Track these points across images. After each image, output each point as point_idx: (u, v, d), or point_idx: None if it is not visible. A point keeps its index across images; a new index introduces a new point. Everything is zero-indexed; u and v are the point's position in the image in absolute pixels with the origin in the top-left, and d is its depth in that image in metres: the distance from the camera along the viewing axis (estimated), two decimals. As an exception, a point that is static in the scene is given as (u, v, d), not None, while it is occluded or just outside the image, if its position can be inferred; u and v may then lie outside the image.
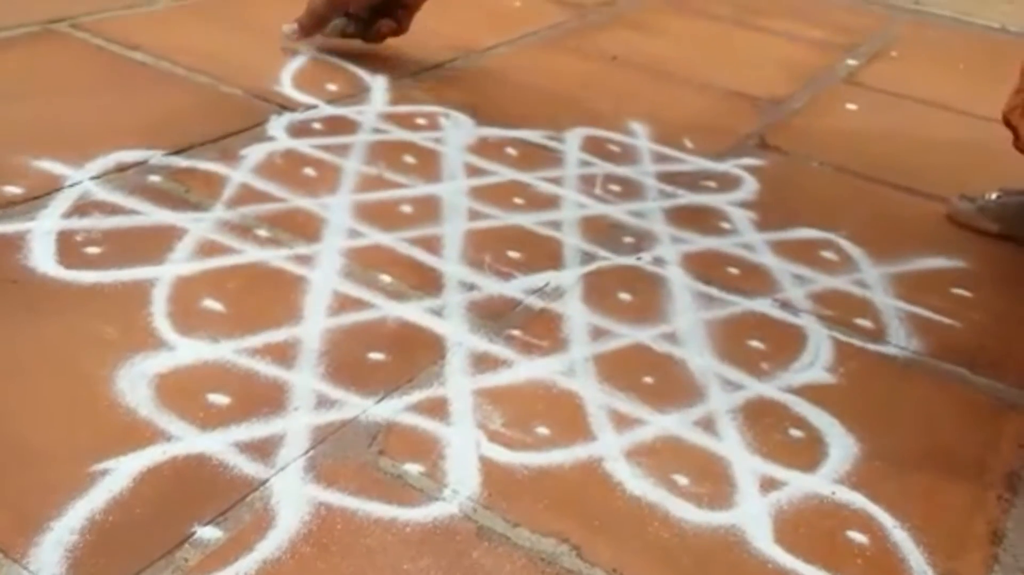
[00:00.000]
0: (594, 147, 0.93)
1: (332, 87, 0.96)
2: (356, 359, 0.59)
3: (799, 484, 0.55)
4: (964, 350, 0.70)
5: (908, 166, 0.99)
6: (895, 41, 1.42)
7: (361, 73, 1.00)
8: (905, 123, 1.12)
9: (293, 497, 0.49)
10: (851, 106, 1.14)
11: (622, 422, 0.57)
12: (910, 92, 1.20)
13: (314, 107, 0.91)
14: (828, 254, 0.80)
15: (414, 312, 0.64)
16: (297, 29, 0.92)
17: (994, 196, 0.88)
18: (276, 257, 0.68)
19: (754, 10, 1.46)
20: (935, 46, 1.44)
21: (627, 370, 0.62)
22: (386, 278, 0.68)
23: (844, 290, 0.75)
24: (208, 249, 0.67)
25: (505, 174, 0.85)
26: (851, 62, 1.29)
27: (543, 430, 0.56)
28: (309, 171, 0.80)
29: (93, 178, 0.73)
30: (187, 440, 0.51)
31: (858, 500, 0.54)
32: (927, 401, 0.64)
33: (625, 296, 0.70)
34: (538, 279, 0.70)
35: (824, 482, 0.55)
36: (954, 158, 1.03)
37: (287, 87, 0.94)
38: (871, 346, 0.69)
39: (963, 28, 1.55)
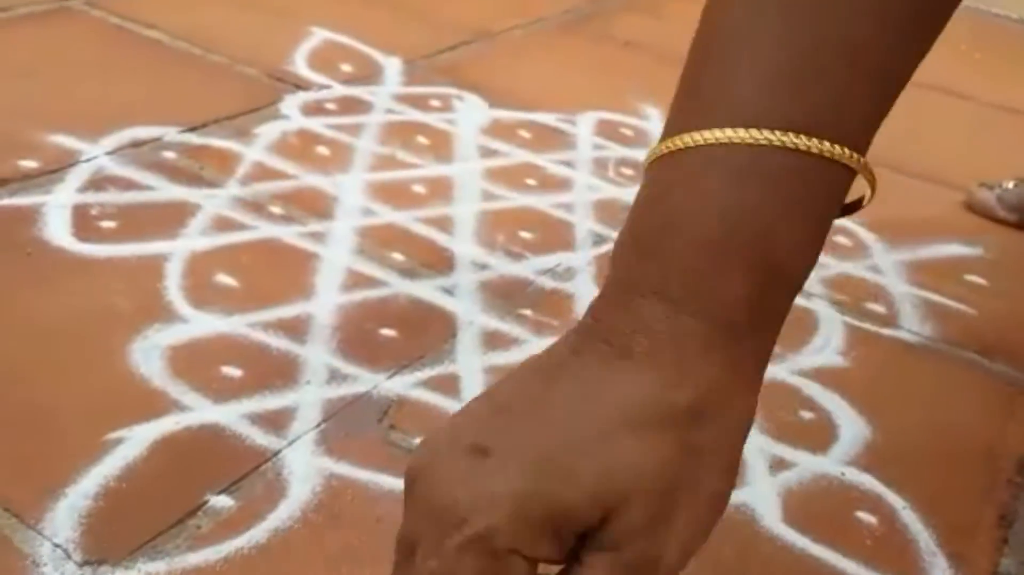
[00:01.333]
0: (607, 130, 0.93)
1: (346, 68, 0.96)
2: (368, 335, 0.59)
3: (809, 465, 0.55)
4: (977, 336, 0.69)
5: (923, 154, 0.98)
6: (912, 30, 1.41)
7: (375, 54, 1.00)
8: (921, 111, 1.11)
9: (304, 468, 0.49)
10: (866, 94, 1.13)
11: (632, 401, 0.57)
12: (926, 80, 1.19)
13: (328, 87, 0.91)
14: (842, 239, 0.80)
15: (426, 290, 0.64)
16: None
17: (1011, 185, 0.87)
18: (289, 234, 0.68)
19: (770, -3, 1.45)
20: (951, 35, 1.42)
21: (638, 350, 0.62)
22: (398, 256, 0.68)
23: (858, 275, 0.75)
24: (222, 225, 0.68)
25: (518, 156, 0.85)
26: (867, 50, 1.28)
27: (553, 408, 0.56)
28: (322, 150, 0.80)
29: (108, 153, 0.74)
30: (200, 411, 0.51)
31: (868, 481, 0.54)
32: (939, 386, 0.64)
33: (637, 278, 0.70)
34: (550, 260, 0.70)
35: (834, 463, 0.55)
36: (970, 146, 1.03)
37: (301, 67, 0.94)
38: (884, 331, 0.69)
39: (980, 17, 1.54)
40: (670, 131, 0.30)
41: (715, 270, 0.28)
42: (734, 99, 0.29)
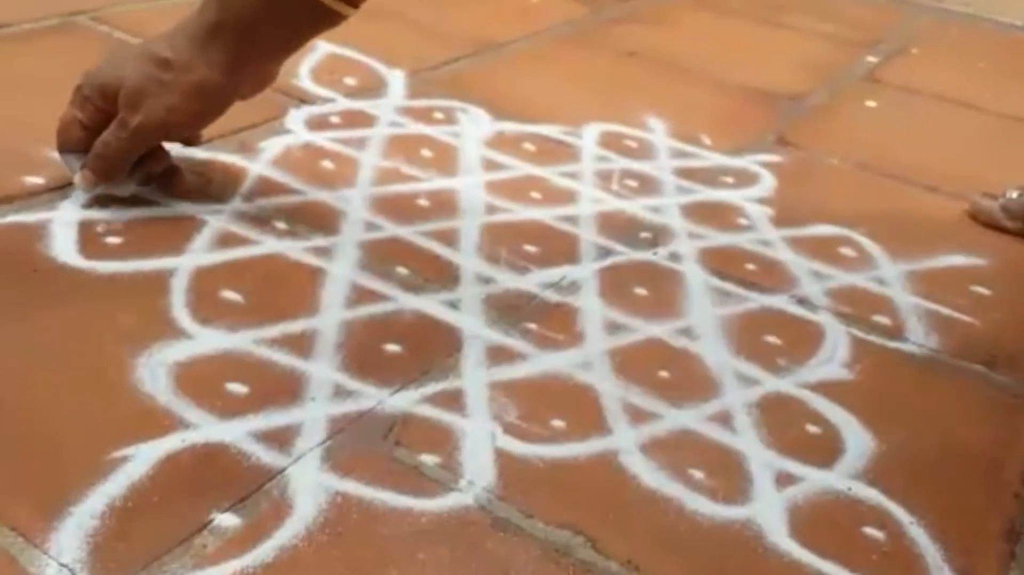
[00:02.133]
0: (611, 142, 0.93)
1: (350, 81, 0.96)
2: (373, 350, 0.59)
3: (815, 479, 0.55)
4: (983, 348, 0.69)
5: (928, 163, 0.98)
6: (916, 38, 1.41)
7: (379, 67, 1.01)
8: (925, 120, 1.12)
9: (310, 486, 0.49)
10: (871, 103, 1.14)
11: (638, 416, 0.57)
12: (930, 89, 1.20)
13: (332, 101, 0.92)
14: (846, 251, 0.80)
15: (430, 305, 0.65)
16: (88, 178, 0.67)
17: (1015, 195, 0.87)
18: (294, 249, 0.68)
19: (774, 6, 1.45)
20: (956, 43, 1.43)
21: (643, 364, 0.62)
22: (403, 270, 0.68)
23: (862, 287, 0.75)
24: (227, 240, 0.68)
25: (522, 168, 0.85)
26: (871, 59, 1.29)
27: (559, 423, 0.56)
28: (327, 164, 0.81)
29: (114, 169, 0.74)
30: (205, 428, 0.51)
31: (874, 496, 0.54)
32: (945, 398, 0.64)
33: (641, 291, 0.70)
34: (554, 273, 0.70)
35: (840, 478, 0.55)
36: (974, 156, 1.03)
37: (305, 81, 0.94)
38: (889, 343, 0.68)
39: (984, 25, 1.54)
40: None
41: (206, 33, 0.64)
42: None
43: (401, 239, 0.72)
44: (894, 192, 0.92)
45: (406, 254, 0.70)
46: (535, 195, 0.81)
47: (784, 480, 0.54)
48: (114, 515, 0.45)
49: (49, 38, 0.96)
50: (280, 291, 0.64)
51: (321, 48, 1.02)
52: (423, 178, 0.81)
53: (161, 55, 0.65)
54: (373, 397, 0.56)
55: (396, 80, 0.98)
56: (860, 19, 1.45)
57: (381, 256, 0.69)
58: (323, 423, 0.53)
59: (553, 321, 0.65)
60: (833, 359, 0.66)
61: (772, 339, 0.67)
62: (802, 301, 0.72)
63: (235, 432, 0.51)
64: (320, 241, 0.70)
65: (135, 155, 0.68)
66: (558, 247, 0.74)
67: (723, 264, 0.75)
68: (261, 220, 0.71)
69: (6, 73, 0.88)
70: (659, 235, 0.78)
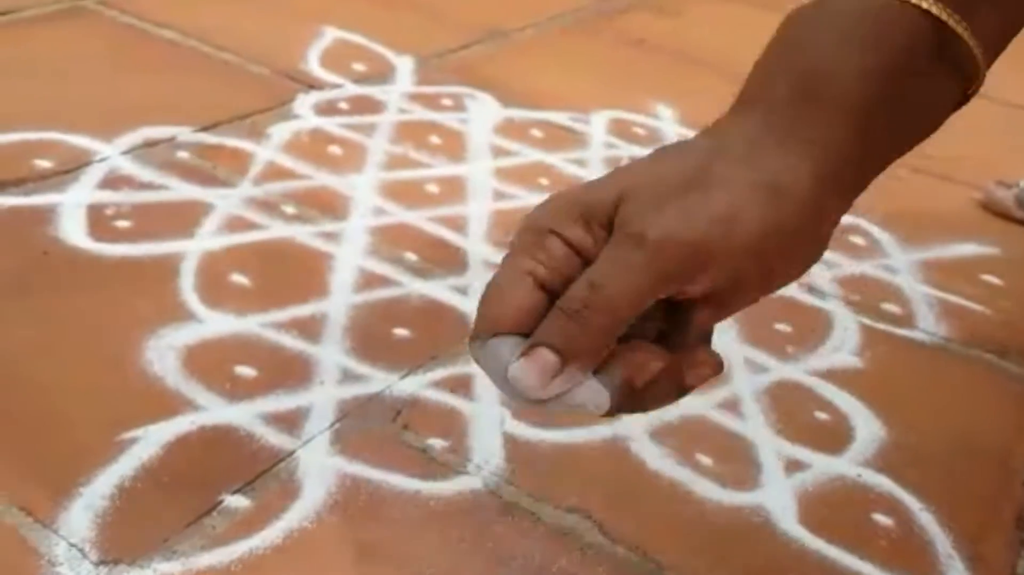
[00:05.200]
0: (619, 129, 0.92)
1: (358, 67, 0.96)
2: (381, 335, 0.59)
3: (824, 466, 0.55)
4: (993, 337, 0.69)
5: (939, 153, 0.97)
6: (926, 27, 1.40)
7: (387, 53, 1.00)
8: (935, 109, 1.11)
9: (318, 468, 0.49)
10: (881, 92, 1.13)
11: (646, 401, 0.57)
12: (941, 78, 1.19)
13: (340, 86, 0.91)
14: (856, 239, 0.79)
15: (439, 290, 0.64)
16: (548, 364, 0.31)
17: (1028, 184, 0.86)
18: (302, 233, 0.68)
19: (783, -5, 1.44)
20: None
21: (652, 350, 0.62)
22: (411, 256, 0.68)
23: (872, 275, 0.75)
24: (235, 225, 0.68)
25: (530, 155, 0.85)
26: (881, 48, 1.28)
27: (567, 408, 0.56)
28: (335, 149, 0.80)
29: (123, 153, 0.74)
30: (214, 411, 0.51)
31: (884, 483, 0.54)
32: (954, 387, 0.64)
33: (650, 277, 0.70)
34: (563, 259, 0.70)
35: (850, 465, 0.55)
36: (987, 145, 1.02)
37: (314, 66, 0.94)
38: (899, 331, 0.68)
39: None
40: None
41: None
42: None
43: (409, 224, 0.72)
44: (905, 181, 0.92)
45: (414, 239, 0.70)
46: (543, 181, 0.81)
47: (793, 466, 0.54)
48: (124, 496, 0.46)
49: (57, 22, 0.96)
50: (289, 275, 0.64)
51: (329, 34, 1.02)
52: (431, 164, 0.81)
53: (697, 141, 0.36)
54: (381, 381, 0.55)
55: (405, 66, 0.98)
56: (871, 8, 1.44)
57: (389, 241, 0.69)
58: (332, 406, 0.53)
59: (562, 307, 0.65)
60: (843, 347, 0.65)
61: (782, 327, 0.66)
62: (812, 289, 0.71)
63: (244, 415, 0.51)
64: (328, 226, 0.69)
65: (626, 321, 0.33)
66: (567, 233, 0.74)
67: (732, 251, 0.74)
68: (270, 205, 0.71)
69: (15, 57, 0.88)
70: (668, 222, 0.77)
